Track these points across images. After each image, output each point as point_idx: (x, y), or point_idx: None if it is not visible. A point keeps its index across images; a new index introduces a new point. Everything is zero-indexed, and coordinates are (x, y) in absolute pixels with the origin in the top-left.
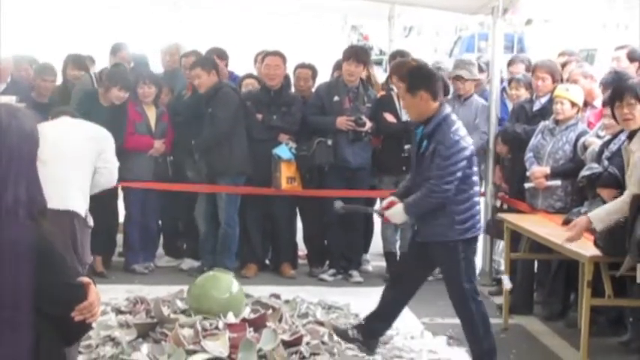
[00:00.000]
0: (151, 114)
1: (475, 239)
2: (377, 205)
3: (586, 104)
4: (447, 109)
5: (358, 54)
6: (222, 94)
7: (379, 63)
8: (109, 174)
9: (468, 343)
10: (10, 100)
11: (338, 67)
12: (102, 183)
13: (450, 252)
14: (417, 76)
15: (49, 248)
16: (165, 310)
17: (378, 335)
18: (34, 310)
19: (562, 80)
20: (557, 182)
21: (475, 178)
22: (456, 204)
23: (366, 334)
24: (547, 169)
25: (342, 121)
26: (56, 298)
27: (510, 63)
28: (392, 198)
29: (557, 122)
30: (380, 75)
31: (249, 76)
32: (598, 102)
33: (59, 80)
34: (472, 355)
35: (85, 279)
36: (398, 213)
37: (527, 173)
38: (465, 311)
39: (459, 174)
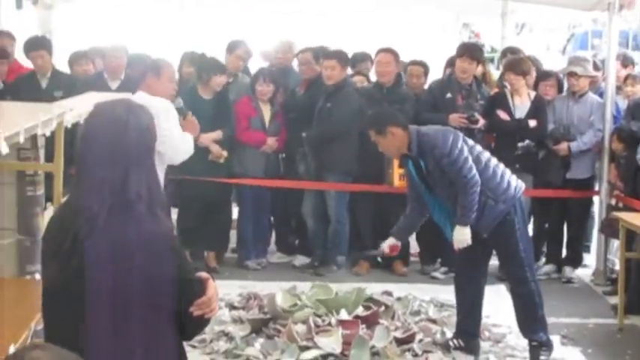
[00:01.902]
0: (266, 111)
1: (520, 198)
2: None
3: None
4: (411, 125)
5: (471, 51)
6: (345, 92)
7: (491, 60)
8: None
9: (526, 320)
10: (127, 96)
11: (450, 64)
12: None
13: (507, 226)
14: (379, 118)
15: (172, 244)
16: (279, 304)
17: (476, 335)
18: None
19: None
20: None
21: (478, 148)
22: (487, 181)
23: (465, 338)
24: None
25: (455, 119)
26: (178, 293)
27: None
28: (393, 240)
29: None
30: (493, 72)
31: (358, 73)
32: None
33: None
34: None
35: (204, 274)
36: (460, 234)
37: None
38: (525, 282)
39: (468, 155)
